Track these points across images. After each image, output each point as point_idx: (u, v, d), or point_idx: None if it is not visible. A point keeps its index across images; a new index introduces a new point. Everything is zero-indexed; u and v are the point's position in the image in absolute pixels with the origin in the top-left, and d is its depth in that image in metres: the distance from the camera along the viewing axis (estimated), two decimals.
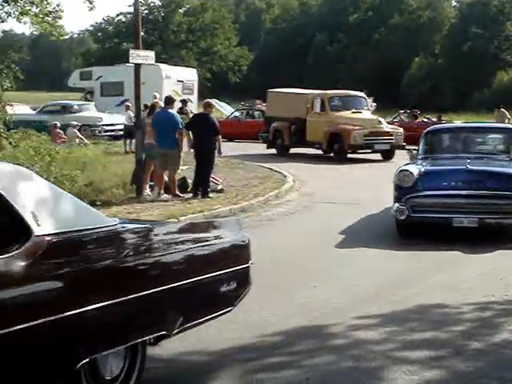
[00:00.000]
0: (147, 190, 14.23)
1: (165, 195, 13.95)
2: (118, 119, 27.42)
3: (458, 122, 22.76)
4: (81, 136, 24.53)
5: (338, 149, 22.51)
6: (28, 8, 18.08)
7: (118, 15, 75.32)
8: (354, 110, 23.33)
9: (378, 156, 22.64)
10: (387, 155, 22.37)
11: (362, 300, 7.18)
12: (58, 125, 24.47)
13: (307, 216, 12.74)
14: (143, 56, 14.35)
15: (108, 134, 28.50)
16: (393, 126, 24.13)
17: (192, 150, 14.84)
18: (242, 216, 12.40)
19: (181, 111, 17.52)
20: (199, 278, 4.79)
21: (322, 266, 8.82)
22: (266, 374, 5.21)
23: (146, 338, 4.52)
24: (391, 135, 22.61)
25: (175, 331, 4.67)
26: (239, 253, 5.44)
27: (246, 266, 5.40)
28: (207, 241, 5.12)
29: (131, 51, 14.24)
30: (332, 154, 22.88)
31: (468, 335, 6.10)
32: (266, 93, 26.96)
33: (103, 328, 4.09)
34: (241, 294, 5.33)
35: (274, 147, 24.89)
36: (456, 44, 65.37)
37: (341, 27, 72.68)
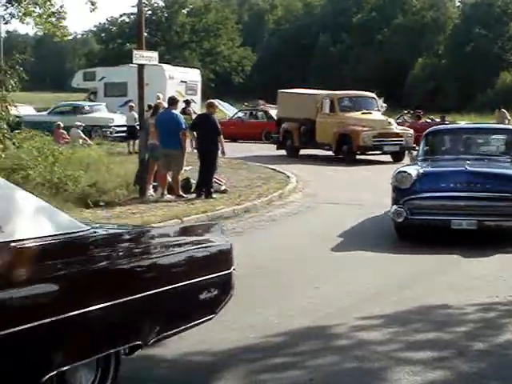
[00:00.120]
0: (150, 191, 14.24)
1: (168, 196, 13.96)
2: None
3: (462, 123, 22.68)
4: (84, 136, 24.56)
5: (346, 150, 22.28)
6: (31, 9, 18.14)
7: (121, 16, 75.47)
8: (363, 111, 23.06)
9: (387, 158, 22.34)
10: (397, 157, 21.99)
11: (365, 301, 7.18)
12: (62, 125, 24.50)
13: (310, 217, 12.74)
14: (147, 57, 14.36)
15: (120, 135, 27.55)
16: (403, 127, 23.75)
17: (195, 151, 14.87)
18: (246, 216, 12.43)
19: (183, 112, 17.57)
20: (176, 285, 4.57)
21: (325, 266, 8.81)
22: (269, 374, 5.21)
23: (119, 348, 4.31)
24: (401, 136, 22.28)
25: (151, 341, 4.48)
26: (220, 258, 5.20)
27: (228, 272, 5.16)
28: (186, 246, 4.92)
29: (134, 52, 14.25)
30: (341, 156, 22.63)
31: (471, 336, 6.09)
32: (276, 93, 26.66)
33: (71, 339, 3.87)
34: (222, 301, 5.12)
35: (284, 148, 24.69)
36: (459, 44, 65.33)
37: (344, 28, 72.66)
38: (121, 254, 4.39)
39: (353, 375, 5.23)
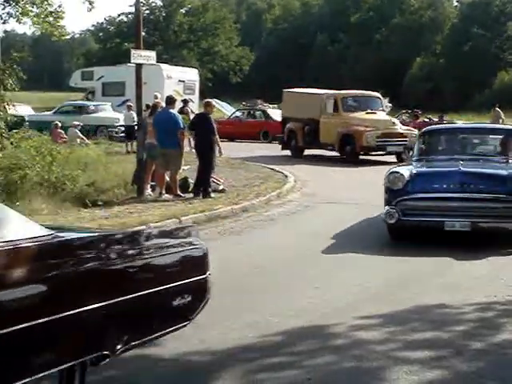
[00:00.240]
0: (148, 190, 14.24)
1: (166, 195, 13.96)
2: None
3: (460, 123, 22.64)
4: (82, 136, 24.55)
5: (349, 150, 22.08)
6: (29, 9, 18.12)
7: (119, 15, 75.44)
8: (368, 111, 22.85)
9: (392, 158, 21.94)
10: (401, 157, 21.34)
11: (363, 300, 7.18)
12: (59, 125, 24.50)
13: (309, 216, 12.74)
14: (144, 56, 14.36)
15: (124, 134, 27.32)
16: (407, 127, 23.49)
17: (193, 150, 14.86)
18: (244, 216, 12.44)
19: (181, 111, 17.56)
20: (146, 292, 4.35)
21: (323, 266, 8.81)
22: (267, 373, 5.21)
23: (83, 359, 4.05)
24: (405, 136, 21.70)
25: (119, 351, 4.25)
26: (195, 263, 4.94)
27: (203, 277, 4.92)
28: (158, 251, 4.63)
29: (132, 51, 14.25)
30: (345, 156, 22.38)
31: (469, 335, 6.10)
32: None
33: (31, 350, 3.61)
34: (197, 308, 4.89)
35: (289, 148, 24.48)
36: (457, 44, 65.43)
37: (342, 27, 72.70)
38: (83, 260, 4.07)
39: (351, 374, 5.24)
